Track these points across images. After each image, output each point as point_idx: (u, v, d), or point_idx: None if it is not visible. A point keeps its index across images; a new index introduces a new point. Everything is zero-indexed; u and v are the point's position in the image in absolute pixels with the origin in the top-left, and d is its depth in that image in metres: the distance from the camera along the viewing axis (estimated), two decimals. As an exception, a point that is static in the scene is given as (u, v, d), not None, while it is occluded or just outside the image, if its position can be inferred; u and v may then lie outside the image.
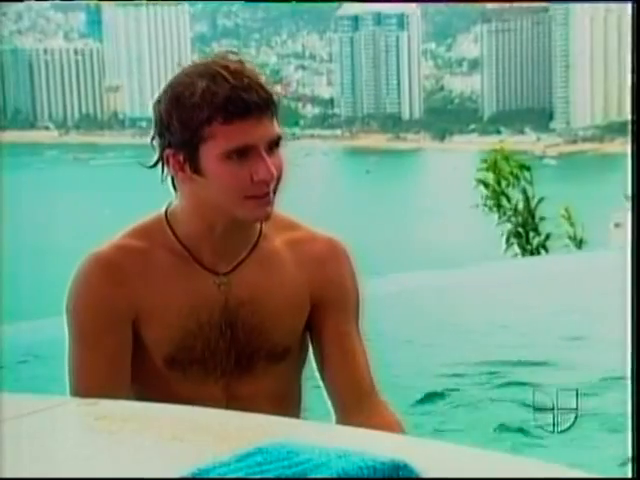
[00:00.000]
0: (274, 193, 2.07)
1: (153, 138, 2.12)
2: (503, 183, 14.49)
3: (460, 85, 65.08)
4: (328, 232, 2.27)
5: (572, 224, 14.35)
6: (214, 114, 2.02)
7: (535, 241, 14.34)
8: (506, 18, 62.61)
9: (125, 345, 2.13)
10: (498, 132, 62.28)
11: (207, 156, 2.04)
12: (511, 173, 14.48)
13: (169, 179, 2.14)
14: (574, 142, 60.60)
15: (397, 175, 57.89)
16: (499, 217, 14.50)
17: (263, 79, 2.07)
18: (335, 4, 64.27)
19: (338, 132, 64.53)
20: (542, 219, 14.46)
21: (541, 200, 14.55)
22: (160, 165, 2.13)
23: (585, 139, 60.69)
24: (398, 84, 64.21)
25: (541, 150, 60.16)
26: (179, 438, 1.70)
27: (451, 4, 65.39)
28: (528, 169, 14.71)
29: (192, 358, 2.14)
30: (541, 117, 61.93)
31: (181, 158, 2.07)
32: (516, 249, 14.40)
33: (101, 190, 52.45)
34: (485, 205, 14.62)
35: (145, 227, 2.17)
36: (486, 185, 14.52)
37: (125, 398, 2.12)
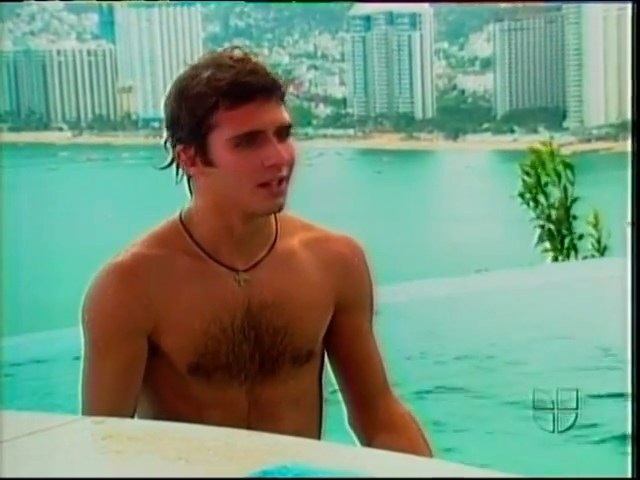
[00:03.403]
0: (287, 182, 2.06)
1: (166, 140, 2.12)
2: (543, 179, 14.31)
3: (473, 84, 64.95)
4: (342, 231, 2.26)
5: (597, 229, 14.18)
6: (219, 100, 2.02)
7: (567, 240, 14.18)
8: (519, 17, 62.48)
9: (139, 357, 2.12)
10: (511, 131, 62.18)
11: (216, 145, 2.04)
12: (554, 170, 14.31)
13: (184, 181, 2.13)
14: (588, 141, 60.43)
15: (410, 175, 57.81)
16: (536, 213, 14.34)
17: (268, 66, 2.07)
18: (347, 4, 64.27)
19: (351, 132, 64.49)
20: (575, 218, 14.27)
21: (575, 200, 14.34)
22: (175, 166, 2.12)
23: (599, 138, 60.50)
24: (411, 83, 64.12)
25: (554, 149, 59.98)
26: (185, 458, 1.69)
27: (463, 4, 65.29)
28: (571, 168, 14.49)
29: (216, 363, 2.12)
30: (554, 116, 61.78)
31: (192, 152, 2.06)
32: (547, 246, 14.24)
33: (110, 191, 52.51)
34: (522, 198, 14.44)
35: (162, 233, 2.15)
36: (528, 176, 14.29)
37: (133, 408, 2.11)
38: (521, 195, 14.50)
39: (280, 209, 2.08)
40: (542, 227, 14.22)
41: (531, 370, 6.17)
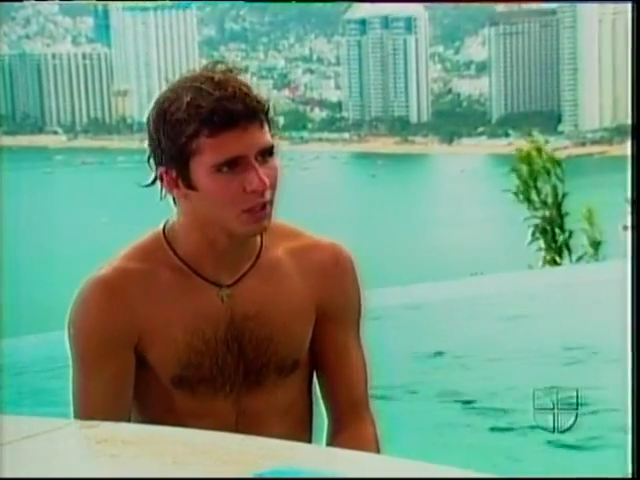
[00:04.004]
0: (271, 204, 2.05)
1: (149, 157, 2.11)
2: (534, 175, 14.47)
3: (468, 88, 65.01)
4: (331, 238, 2.23)
5: (592, 224, 14.25)
6: (200, 128, 2.00)
7: (560, 238, 14.28)
8: (514, 21, 62.56)
9: (127, 369, 2.12)
10: (506, 135, 62.23)
11: (197, 171, 2.02)
12: (543, 167, 14.45)
13: (169, 196, 2.12)
14: (582, 145, 60.50)
15: (404, 178, 57.86)
16: (529, 211, 14.49)
17: (250, 88, 2.03)
18: (342, 7, 64.30)
19: (346, 135, 64.52)
20: (566, 214, 14.38)
21: (565, 195, 14.48)
22: (159, 184, 2.11)
23: (594, 142, 60.59)
24: (406, 87, 64.17)
25: (549, 153, 60.07)
26: (179, 462, 1.69)
27: (460, 6, 65.34)
28: (560, 165, 14.65)
29: (200, 376, 2.12)
30: (549, 120, 61.85)
31: (174, 174, 2.05)
32: (541, 244, 14.33)
33: (104, 195, 52.49)
34: (515, 195, 14.59)
35: (144, 247, 2.15)
36: (519, 175, 14.44)
37: (127, 422, 2.11)
38: (515, 193, 14.66)
39: (264, 231, 2.08)
40: (536, 225, 14.36)
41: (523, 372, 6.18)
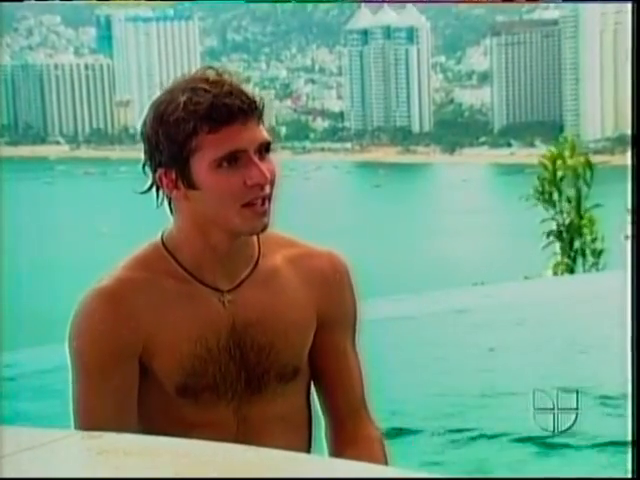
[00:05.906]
0: (269, 201, 2.06)
1: (144, 164, 2.12)
2: (559, 174, 14.09)
3: (470, 98, 65.08)
4: (327, 246, 2.26)
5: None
6: (199, 124, 2.02)
7: (576, 243, 14.05)
8: (516, 31, 62.64)
9: (131, 380, 2.11)
10: (508, 145, 62.28)
11: (198, 168, 2.04)
12: (572, 167, 14.07)
13: (165, 203, 2.13)
14: (584, 154, 60.55)
15: (406, 188, 57.89)
16: (551, 212, 14.11)
17: (244, 86, 2.06)
18: (344, 17, 64.41)
19: (348, 145, 64.58)
20: (591, 223, 14.05)
21: (596, 206, 14.12)
22: (155, 190, 2.12)
23: (596, 151, 60.58)
24: (408, 97, 64.24)
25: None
26: (181, 474, 1.68)
27: (461, 16, 65.47)
28: (591, 168, 14.27)
29: (204, 384, 2.13)
30: (551, 130, 61.84)
31: (173, 175, 2.06)
32: (557, 249, 14.11)
33: (105, 205, 52.51)
34: (536, 197, 14.23)
35: (144, 256, 2.15)
36: (545, 168, 14.05)
37: (132, 432, 2.10)
38: (537, 191, 14.28)
39: (265, 228, 2.08)
40: (551, 230, 14.10)
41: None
